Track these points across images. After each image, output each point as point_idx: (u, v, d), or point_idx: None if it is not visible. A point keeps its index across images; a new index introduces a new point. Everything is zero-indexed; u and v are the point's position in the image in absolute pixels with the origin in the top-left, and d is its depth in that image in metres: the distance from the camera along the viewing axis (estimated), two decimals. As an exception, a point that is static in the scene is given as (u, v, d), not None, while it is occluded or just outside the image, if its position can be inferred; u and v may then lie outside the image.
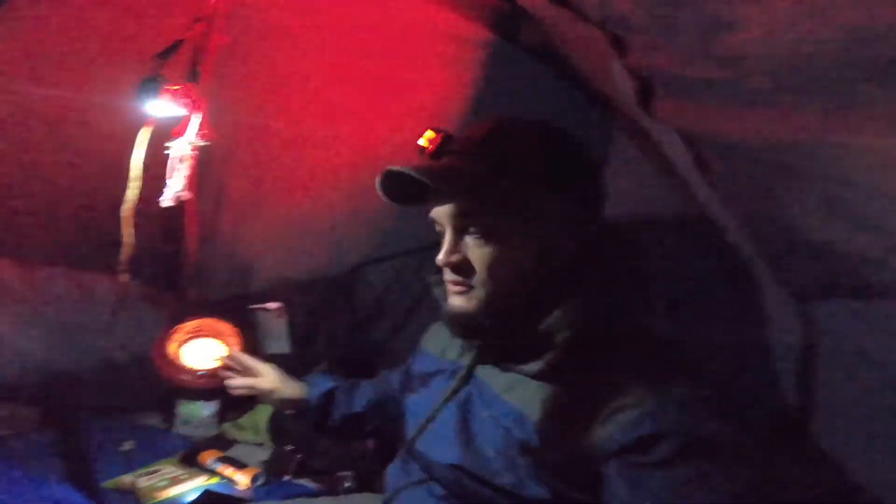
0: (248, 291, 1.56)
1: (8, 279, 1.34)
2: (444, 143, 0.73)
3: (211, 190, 1.50)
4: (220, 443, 1.36)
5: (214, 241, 1.53)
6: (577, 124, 1.03)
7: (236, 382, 1.03)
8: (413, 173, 0.68)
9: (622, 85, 0.95)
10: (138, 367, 1.42)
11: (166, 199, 0.99)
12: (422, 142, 0.73)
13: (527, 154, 0.71)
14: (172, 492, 1.10)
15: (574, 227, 0.72)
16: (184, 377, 1.37)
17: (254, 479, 1.17)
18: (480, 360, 0.78)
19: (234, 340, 1.46)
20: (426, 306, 0.78)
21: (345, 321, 1.55)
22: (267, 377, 1.02)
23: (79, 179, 1.33)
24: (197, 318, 1.49)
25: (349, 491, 1.18)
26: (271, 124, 1.43)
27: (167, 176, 1.00)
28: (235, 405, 1.47)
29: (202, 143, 1.00)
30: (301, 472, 1.24)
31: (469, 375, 0.78)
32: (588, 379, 0.69)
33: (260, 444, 1.39)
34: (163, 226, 1.45)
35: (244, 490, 1.15)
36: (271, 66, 1.35)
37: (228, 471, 1.18)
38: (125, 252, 1.03)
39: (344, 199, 1.49)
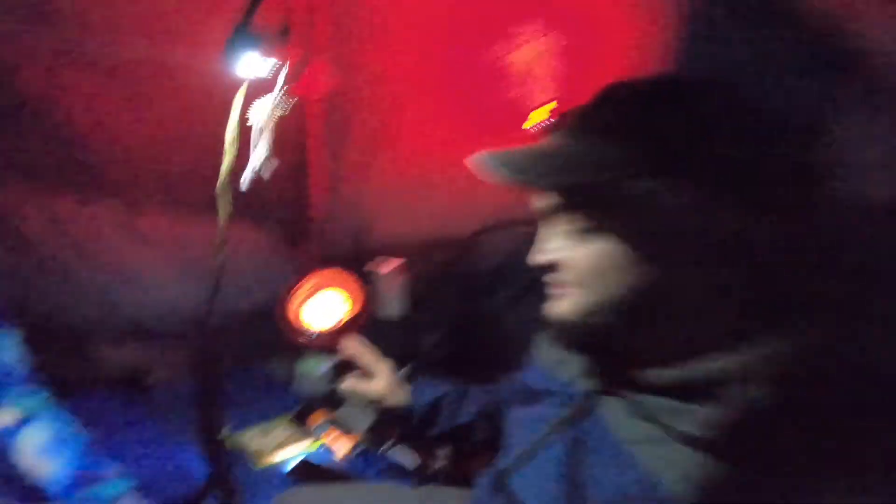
0: (367, 249, 1.53)
1: (153, 229, 1.45)
2: (555, 120, 0.62)
3: (332, 145, 1.46)
4: (333, 401, 1.38)
5: (336, 196, 1.51)
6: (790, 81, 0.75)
7: (347, 385, 1.01)
8: (478, 162, 0.57)
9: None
10: (266, 321, 1.48)
11: (246, 180, 0.92)
12: (534, 120, 0.60)
13: (624, 130, 0.53)
14: (276, 457, 1.13)
15: (716, 229, 0.50)
16: (301, 336, 1.39)
17: (353, 449, 1.16)
18: (600, 389, 0.60)
19: (357, 296, 1.44)
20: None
21: (460, 288, 1.45)
22: (380, 380, 0.95)
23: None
24: (319, 273, 1.50)
25: (441, 470, 1.11)
26: (392, 77, 1.32)
27: (251, 150, 0.93)
28: (352, 364, 1.48)
29: (288, 104, 0.91)
30: (401, 441, 1.20)
31: (588, 409, 0.61)
32: (771, 464, 0.47)
33: (372, 405, 1.39)
34: (287, 184, 1.45)
35: (341, 460, 1.15)
36: (395, 14, 1.22)
37: (331, 437, 1.19)
38: (221, 228, 1.00)
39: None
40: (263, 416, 1.29)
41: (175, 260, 1.47)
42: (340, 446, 1.17)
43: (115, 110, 1.27)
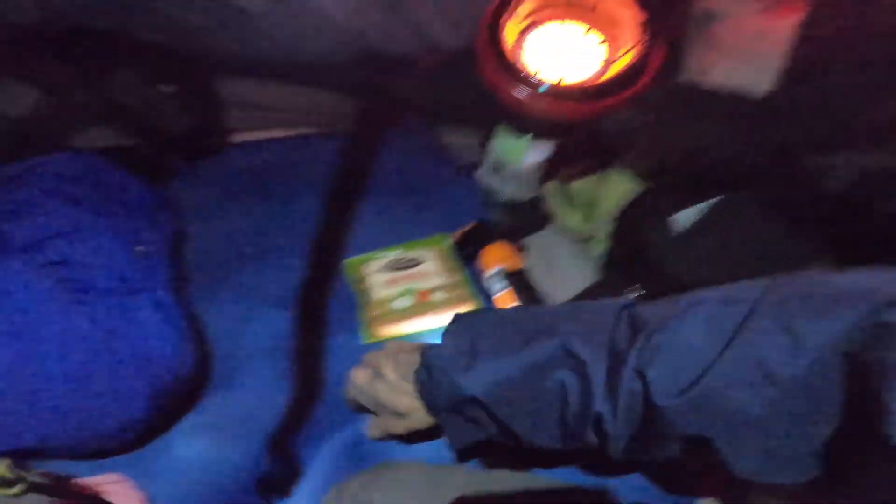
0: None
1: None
2: None
3: None
4: (531, 217, 0.87)
5: None
6: None
7: None
8: None
9: None
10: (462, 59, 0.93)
11: None
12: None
13: None
14: (399, 329, 0.70)
15: None
16: (514, 89, 0.79)
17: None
18: None
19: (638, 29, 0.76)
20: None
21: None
22: None
23: None
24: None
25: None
26: None
27: None
28: (577, 157, 0.89)
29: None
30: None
31: None
32: None
33: (587, 243, 0.86)
34: None
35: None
36: None
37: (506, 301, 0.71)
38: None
39: None
40: (408, 227, 0.82)
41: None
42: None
43: None
